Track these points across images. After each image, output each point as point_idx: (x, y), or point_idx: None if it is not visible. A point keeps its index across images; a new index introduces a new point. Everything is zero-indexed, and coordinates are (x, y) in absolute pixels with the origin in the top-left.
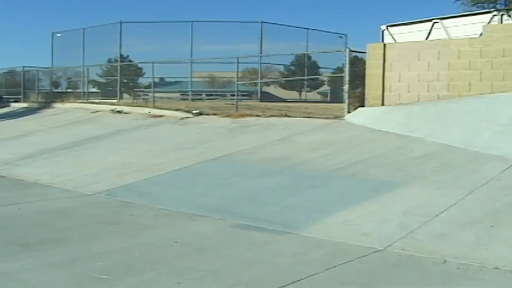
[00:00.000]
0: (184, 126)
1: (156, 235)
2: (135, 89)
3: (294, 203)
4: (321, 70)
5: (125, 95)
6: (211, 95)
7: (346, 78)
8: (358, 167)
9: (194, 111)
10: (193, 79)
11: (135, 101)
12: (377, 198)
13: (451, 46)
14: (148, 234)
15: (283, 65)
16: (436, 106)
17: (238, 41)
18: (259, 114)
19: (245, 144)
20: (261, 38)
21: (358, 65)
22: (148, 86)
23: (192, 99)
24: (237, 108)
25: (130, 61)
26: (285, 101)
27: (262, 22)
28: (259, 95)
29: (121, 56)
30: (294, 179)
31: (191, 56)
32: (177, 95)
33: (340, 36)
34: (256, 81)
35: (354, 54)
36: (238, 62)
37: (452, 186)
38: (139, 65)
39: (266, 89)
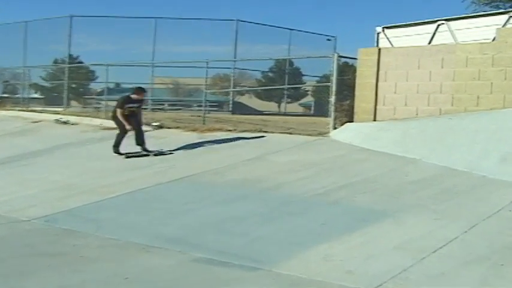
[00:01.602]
0: None
1: (103, 270)
2: (86, 96)
3: (267, 234)
4: (304, 78)
5: (73, 103)
6: (175, 104)
7: (333, 88)
8: (344, 193)
9: (154, 124)
10: (154, 86)
11: (84, 110)
12: (365, 229)
13: (457, 52)
14: (93, 269)
15: (261, 71)
16: (438, 122)
17: (210, 42)
18: (230, 128)
19: (212, 164)
20: (236, 40)
21: (348, 73)
22: (102, 93)
23: (152, 110)
24: (204, 121)
25: (80, 62)
26: (261, 113)
27: (238, 21)
28: (231, 106)
29: (70, 56)
30: (267, 205)
31: (153, 59)
32: None
33: (328, 39)
34: (228, 89)
35: (343, 60)
36: (207, 67)
37: (454, 216)
38: (91, 68)
39: (240, 99)
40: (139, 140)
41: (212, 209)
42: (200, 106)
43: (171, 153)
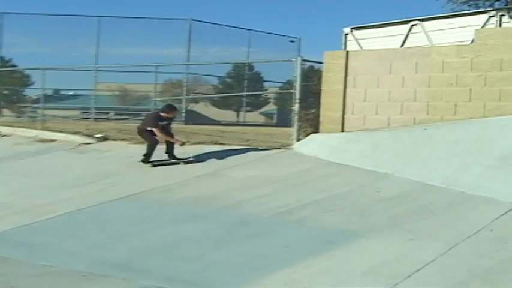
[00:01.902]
0: (83, 155)
1: None
2: (20, 104)
3: (223, 258)
4: (266, 84)
5: (5, 111)
6: (122, 114)
7: (297, 95)
8: (308, 211)
9: (97, 136)
10: (98, 92)
11: (18, 119)
12: (332, 252)
13: (432, 55)
14: None
15: (217, 76)
16: (412, 133)
17: (160, 43)
18: (184, 140)
19: (162, 180)
20: (190, 41)
21: (313, 79)
22: (38, 100)
23: (96, 119)
24: None
25: (13, 66)
26: (217, 123)
27: (191, 20)
28: (184, 115)
29: (1, 58)
30: (223, 226)
31: (96, 62)
32: (76, 113)
33: (292, 41)
34: (181, 97)
35: (308, 64)
36: (157, 72)
37: (431, 237)
38: (26, 72)
39: (194, 107)
40: (169, 148)
41: (162, 231)
42: None
43: (199, 161)
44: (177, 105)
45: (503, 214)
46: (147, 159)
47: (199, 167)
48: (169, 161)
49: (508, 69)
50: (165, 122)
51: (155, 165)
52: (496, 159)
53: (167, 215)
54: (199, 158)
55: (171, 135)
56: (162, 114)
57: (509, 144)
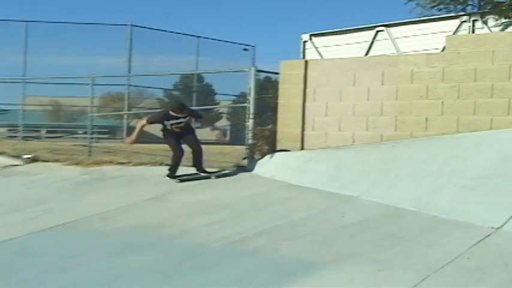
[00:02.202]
0: (9, 179)
1: None
2: None
3: None
4: (217, 97)
5: None
6: (55, 131)
7: (251, 109)
8: (264, 240)
9: (26, 157)
10: (26, 107)
11: None
12: (290, 286)
13: (400, 65)
14: None
15: (163, 88)
16: (379, 151)
17: (98, 52)
18: (124, 161)
19: (100, 206)
20: (131, 49)
21: (270, 91)
22: None
23: (25, 138)
24: (90, 152)
25: None
26: (163, 141)
27: (132, 26)
28: (125, 132)
29: None
30: (169, 257)
31: (24, 73)
32: (2, 130)
33: (246, 49)
34: (122, 112)
35: (264, 75)
36: (94, 84)
37: (401, 267)
38: None
39: (137, 123)
40: (196, 161)
41: (100, 264)
42: (86, 133)
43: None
44: (118, 122)
45: (480, 240)
46: (172, 173)
47: (142, 190)
48: (198, 176)
49: (483, 80)
50: (179, 121)
51: (182, 181)
52: (471, 179)
53: (106, 245)
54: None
55: (194, 139)
56: (171, 112)
57: (485, 163)
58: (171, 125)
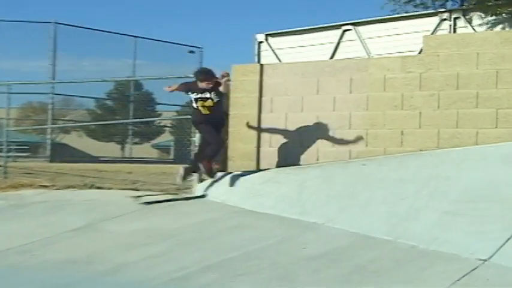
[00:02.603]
0: None
1: None
2: None
3: None
4: (159, 108)
5: None
6: None
7: None
8: (213, 276)
9: None
10: None
11: None
12: None
13: (370, 70)
14: None
15: (95, 98)
16: (347, 170)
17: (15, 55)
18: (47, 184)
19: (17, 238)
20: (55, 51)
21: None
22: None
23: None
24: (6, 173)
25: None
26: (95, 160)
27: (57, 23)
28: (49, 149)
29: None
30: None
31: None
32: None
33: (191, 51)
34: (45, 126)
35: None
36: (10, 92)
37: None
38: None
39: (63, 139)
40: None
41: None
42: (1, 151)
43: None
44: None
45: (466, 274)
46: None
47: (68, 218)
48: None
49: (467, 87)
50: (197, 95)
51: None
52: (454, 202)
53: (26, 284)
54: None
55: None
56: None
57: (470, 184)
58: (196, 100)
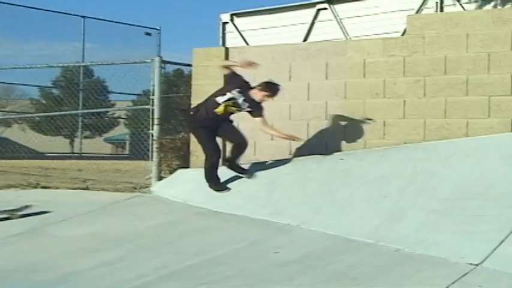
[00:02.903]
0: None
1: None
2: None
3: None
4: (113, 98)
5: None
6: None
7: (156, 113)
8: (176, 284)
9: None
10: None
11: None
12: None
13: (349, 53)
14: None
15: (39, 86)
16: (324, 165)
17: None
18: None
19: None
20: None
21: (181, 88)
22: None
23: None
24: None
25: None
26: (41, 156)
27: None
28: None
29: None
30: None
31: None
32: None
33: (148, 33)
34: None
35: (173, 67)
36: None
37: None
38: None
39: (3, 132)
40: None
41: None
42: None
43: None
44: None
45: (455, 281)
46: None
47: (9, 223)
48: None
49: (455, 72)
50: (238, 97)
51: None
52: (443, 201)
53: None
54: None
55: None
56: (255, 91)
57: (461, 180)
58: (230, 99)
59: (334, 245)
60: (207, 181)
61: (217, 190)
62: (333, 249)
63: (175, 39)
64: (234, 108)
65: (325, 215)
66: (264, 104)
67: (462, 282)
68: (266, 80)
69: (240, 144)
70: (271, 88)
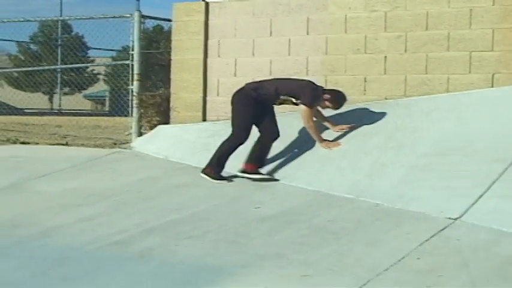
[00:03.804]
0: None
1: None
2: None
3: None
4: (92, 54)
5: None
6: None
7: (135, 68)
8: (156, 240)
9: None
10: None
11: None
12: None
13: (330, 9)
14: None
15: (16, 41)
16: (301, 121)
17: None
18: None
19: None
20: None
21: (161, 44)
22: None
23: None
24: None
25: None
26: (20, 112)
27: None
28: None
29: None
30: (29, 265)
31: None
32: None
33: None
34: None
35: (154, 23)
36: None
37: (333, 271)
38: None
39: None
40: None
41: None
42: None
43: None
44: None
45: (435, 234)
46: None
47: None
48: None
49: (437, 28)
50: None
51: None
52: (423, 156)
53: None
54: None
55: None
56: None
57: (441, 135)
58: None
59: (314, 200)
60: (209, 164)
61: (214, 178)
62: (314, 205)
63: None
64: (291, 103)
65: (306, 171)
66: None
67: (441, 236)
68: (336, 89)
69: (274, 133)
70: (338, 101)
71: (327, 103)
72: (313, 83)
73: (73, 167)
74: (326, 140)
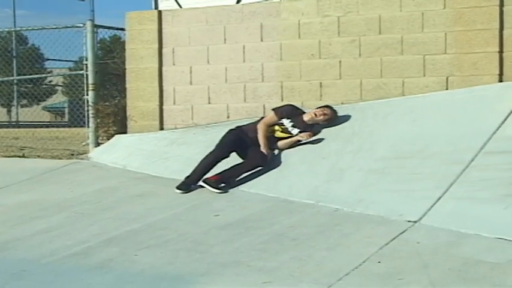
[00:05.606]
0: None
1: None
2: None
3: None
4: (49, 65)
5: None
6: None
7: (90, 78)
8: (115, 250)
9: None
10: None
11: None
12: None
13: (283, 14)
14: None
15: None
16: None
17: None
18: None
19: None
20: None
21: (116, 53)
22: None
23: None
24: None
25: None
26: None
27: None
28: None
29: None
30: None
31: None
32: None
33: None
34: None
35: (110, 33)
36: None
37: (294, 277)
38: None
39: None
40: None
41: None
42: None
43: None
44: None
45: (394, 238)
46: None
47: None
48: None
49: (390, 32)
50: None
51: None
52: (380, 160)
53: None
54: None
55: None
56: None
57: (397, 139)
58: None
59: (274, 206)
60: (194, 170)
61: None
62: (273, 211)
63: (112, 5)
64: (282, 134)
65: (265, 177)
66: (313, 126)
67: (401, 239)
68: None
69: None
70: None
71: (310, 117)
72: (295, 106)
73: (30, 179)
74: (268, 148)
